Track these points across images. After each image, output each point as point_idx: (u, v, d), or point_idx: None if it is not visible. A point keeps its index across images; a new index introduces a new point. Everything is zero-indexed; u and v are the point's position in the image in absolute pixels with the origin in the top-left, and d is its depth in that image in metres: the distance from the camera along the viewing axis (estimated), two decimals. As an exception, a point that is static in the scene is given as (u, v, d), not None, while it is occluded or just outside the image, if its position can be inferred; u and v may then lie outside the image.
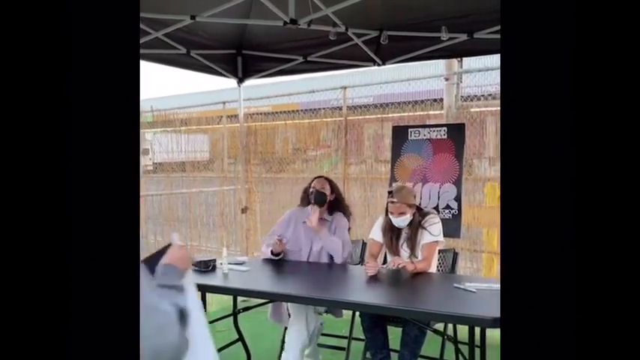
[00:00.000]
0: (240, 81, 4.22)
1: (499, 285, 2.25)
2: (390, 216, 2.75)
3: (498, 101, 4.07)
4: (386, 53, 3.62)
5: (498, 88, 4.48)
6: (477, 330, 2.20)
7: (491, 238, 4.12)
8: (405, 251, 2.78)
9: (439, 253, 2.86)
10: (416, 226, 2.74)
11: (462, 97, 4.39)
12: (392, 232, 2.80)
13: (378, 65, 3.73)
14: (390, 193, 2.78)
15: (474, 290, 2.21)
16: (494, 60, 4.18)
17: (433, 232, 2.73)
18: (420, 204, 2.97)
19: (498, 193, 4.07)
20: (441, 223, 2.80)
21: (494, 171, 4.26)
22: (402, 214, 2.71)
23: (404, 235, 2.79)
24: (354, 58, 3.72)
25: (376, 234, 2.89)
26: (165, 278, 1.00)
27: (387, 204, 2.78)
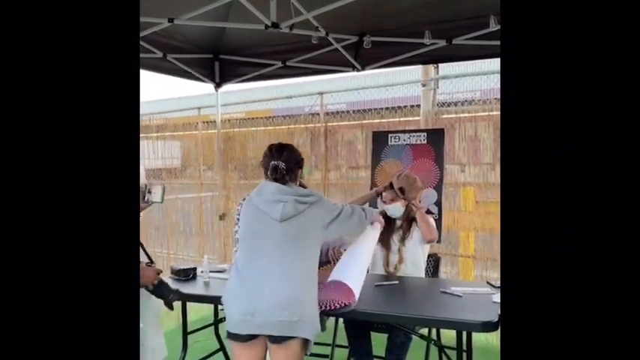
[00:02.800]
0: (218, 86, 4.17)
1: (485, 289, 2.28)
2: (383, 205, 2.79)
3: (475, 107, 4.13)
4: (365, 59, 3.63)
5: (473, 94, 4.55)
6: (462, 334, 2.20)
7: (469, 243, 4.15)
8: (394, 243, 2.79)
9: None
10: (409, 219, 2.77)
11: (438, 103, 4.43)
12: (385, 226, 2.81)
13: (358, 70, 3.73)
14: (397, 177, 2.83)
15: (460, 295, 2.22)
16: (471, 66, 4.24)
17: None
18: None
19: (476, 198, 4.12)
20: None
21: (470, 176, 4.30)
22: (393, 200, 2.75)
23: (395, 227, 2.81)
24: (333, 63, 3.71)
25: None
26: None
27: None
